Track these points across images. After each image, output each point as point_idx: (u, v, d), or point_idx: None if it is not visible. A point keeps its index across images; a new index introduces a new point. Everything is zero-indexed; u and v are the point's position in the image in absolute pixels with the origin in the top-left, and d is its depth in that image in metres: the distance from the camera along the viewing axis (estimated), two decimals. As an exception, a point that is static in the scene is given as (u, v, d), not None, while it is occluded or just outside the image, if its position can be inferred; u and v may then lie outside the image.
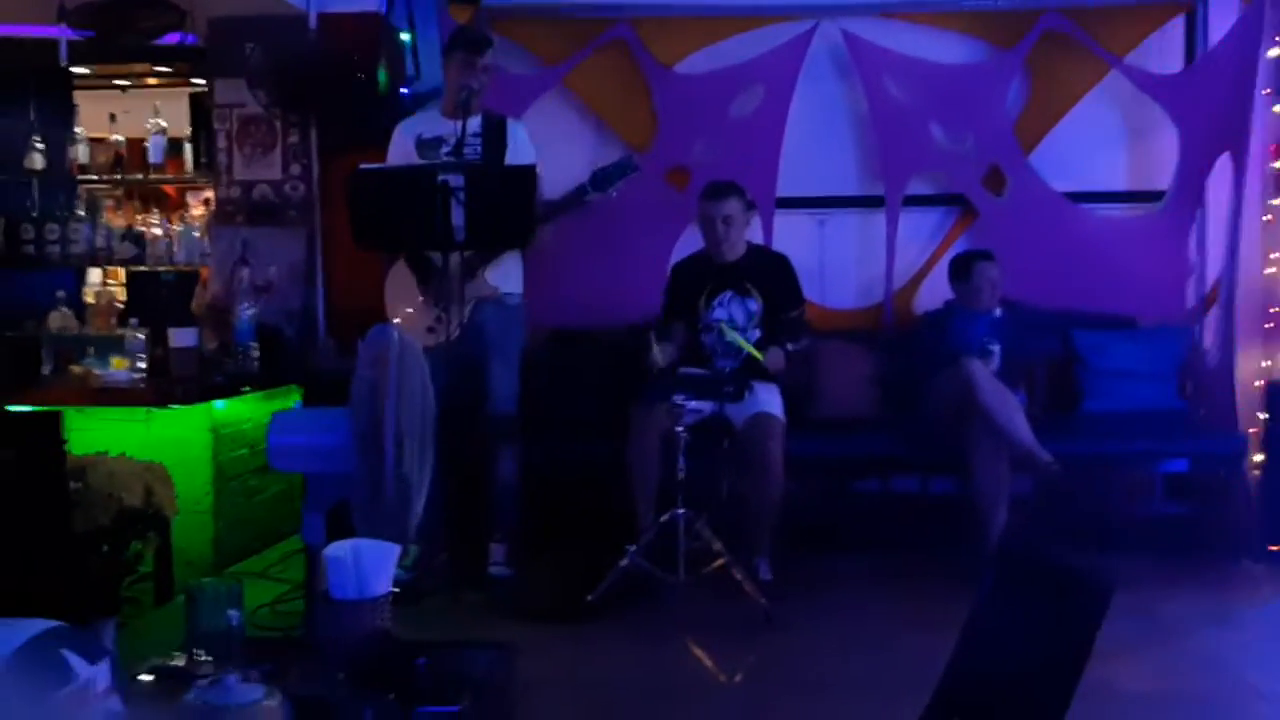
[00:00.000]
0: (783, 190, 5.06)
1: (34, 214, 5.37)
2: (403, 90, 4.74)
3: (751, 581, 3.73)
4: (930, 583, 4.07)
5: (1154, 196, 5.09)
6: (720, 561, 3.70)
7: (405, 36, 4.88)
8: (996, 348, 4.42)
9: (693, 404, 3.79)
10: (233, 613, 1.90)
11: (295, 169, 4.88)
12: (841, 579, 4.22)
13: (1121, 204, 5.16)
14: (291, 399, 4.43)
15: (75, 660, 1.40)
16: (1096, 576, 1.87)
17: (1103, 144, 5.14)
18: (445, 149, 3.97)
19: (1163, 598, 3.89)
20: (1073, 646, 1.77)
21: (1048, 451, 4.08)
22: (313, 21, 4.76)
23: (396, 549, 2.09)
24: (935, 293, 4.93)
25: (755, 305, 4.28)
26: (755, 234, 4.74)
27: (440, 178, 3.60)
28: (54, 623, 1.41)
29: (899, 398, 4.67)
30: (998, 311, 4.56)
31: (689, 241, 4.86)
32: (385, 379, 2.33)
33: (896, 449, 4.56)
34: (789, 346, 4.14)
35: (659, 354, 3.99)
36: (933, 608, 3.50)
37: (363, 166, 3.67)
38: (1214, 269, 4.99)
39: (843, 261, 5.18)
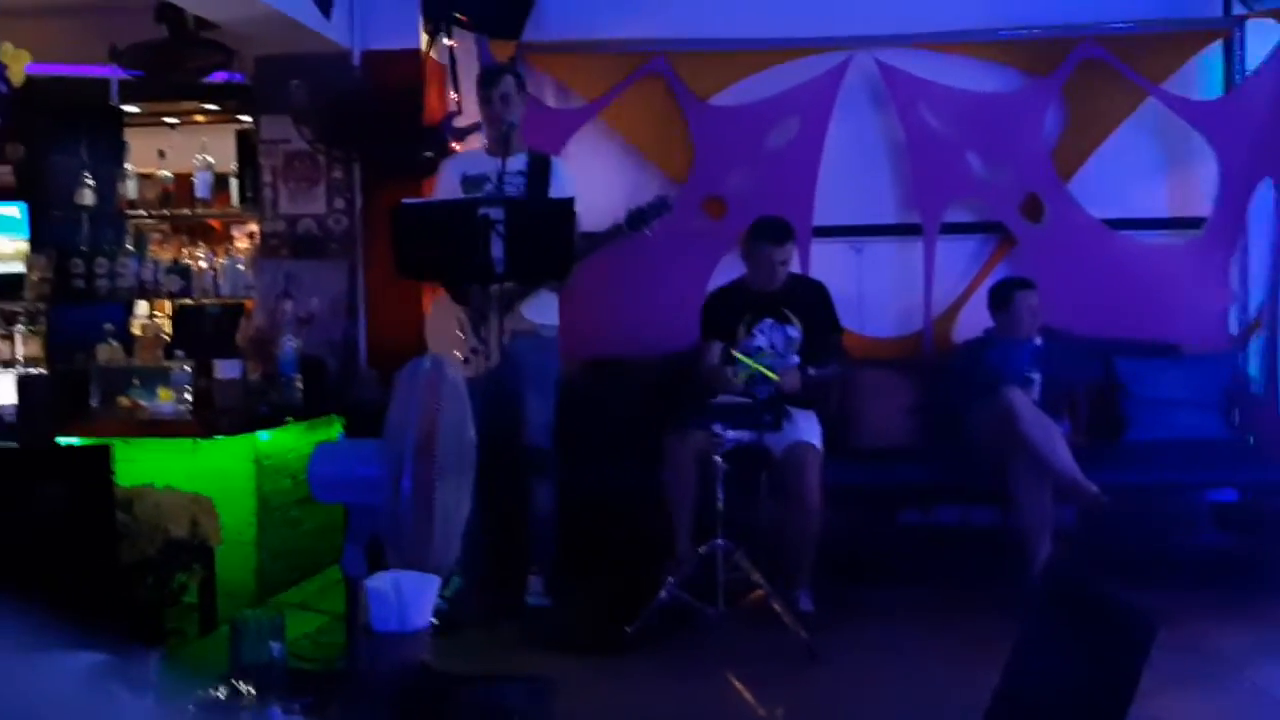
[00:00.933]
0: (819, 219, 5.07)
1: (84, 249, 5.48)
2: (444, 125, 4.80)
3: (792, 614, 3.70)
4: (973, 615, 4.02)
5: (1195, 223, 5.05)
6: (760, 593, 3.69)
7: (446, 72, 4.96)
8: (1037, 376, 4.39)
9: (731, 433, 3.79)
10: (275, 645, 1.92)
11: (338, 203, 4.96)
12: (883, 611, 4.18)
13: (1162, 231, 5.12)
14: (334, 430, 4.48)
15: (123, 693, 1.43)
16: (1139, 612, 1.84)
17: (1142, 171, 5.12)
18: (489, 186, 4.01)
19: (1212, 632, 3.82)
20: (1118, 683, 1.75)
21: (1092, 482, 4.03)
22: (356, 59, 4.86)
23: (437, 581, 2.10)
24: (974, 321, 4.90)
25: (795, 332, 4.28)
26: (792, 263, 4.74)
27: (481, 211, 3.64)
28: (103, 655, 1.43)
29: (939, 427, 4.64)
30: (1038, 340, 4.52)
31: (725, 270, 4.88)
32: (421, 409, 2.33)
33: (937, 479, 4.53)
34: (810, 371, 4.14)
35: (730, 373, 4.03)
36: (976, 641, 3.46)
37: (406, 200, 3.73)
38: (1257, 295, 4.93)
39: (880, 290, 5.17)
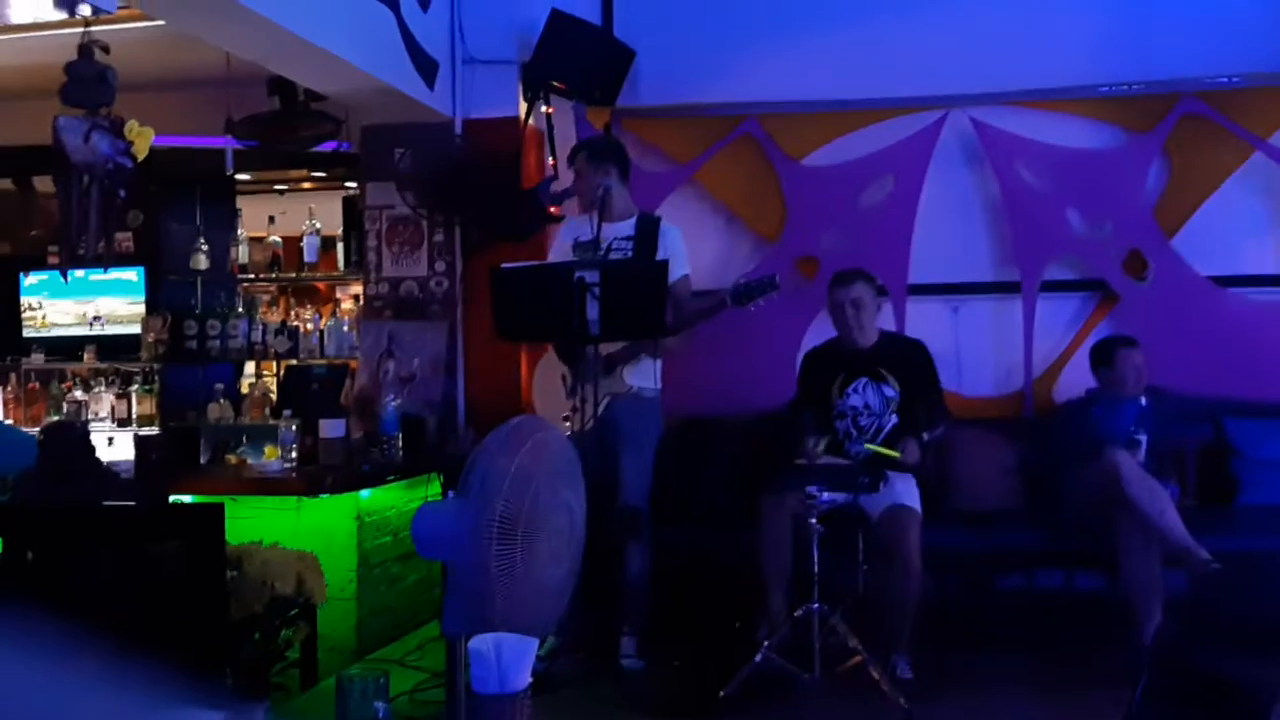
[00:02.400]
0: (915, 277, 5.04)
1: (197, 311, 5.71)
2: (541, 189, 4.92)
3: (890, 681, 3.63)
4: (1079, 686, 3.89)
5: (1309, 280, 4.90)
6: (857, 659, 3.63)
7: (544, 139, 5.09)
8: (1144, 438, 4.27)
9: (826, 495, 3.75)
10: (380, 705, 1.96)
11: (439, 265, 5.09)
12: (984, 679, 4.07)
13: (1273, 288, 4.96)
14: (433, 487, 4.56)
15: (239, 750, 1.47)
16: (1256, 685, 1.78)
17: (1250, 227, 4.98)
18: (598, 251, 4.08)
19: (1336, 707, 3.63)
20: (1235, 763, 1.69)
21: (1204, 548, 3.90)
22: (458, 127, 5.01)
23: (535, 643, 2.13)
24: (1077, 380, 4.80)
25: (891, 391, 4.25)
26: (887, 321, 4.72)
27: (576, 274, 3.71)
28: (220, 714, 1.48)
29: (1041, 489, 4.53)
30: (1143, 400, 4.41)
31: (819, 329, 4.87)
32: (485, 471, 2.33)
33: (1040, 542, 4.40)
34: (925, 436, 4.10)
35: (813, 444, 4.01)
36: (1082, 713, 3.37)
37: (504, 265, 3.82)
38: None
39: (979, 349, 5.10)
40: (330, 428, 4.28)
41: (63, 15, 3.88)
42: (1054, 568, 4.70)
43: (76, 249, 3.44)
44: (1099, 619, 4.17)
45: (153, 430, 5.47)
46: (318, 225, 5.73)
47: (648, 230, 4.19)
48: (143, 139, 3.45)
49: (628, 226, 4.18)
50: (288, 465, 4.29)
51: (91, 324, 5.78)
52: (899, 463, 4.04)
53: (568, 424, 3.99)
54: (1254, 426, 4.66)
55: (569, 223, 4.47)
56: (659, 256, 4.11)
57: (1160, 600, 3.94)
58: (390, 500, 4.47)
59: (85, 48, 3.55)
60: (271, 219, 5.94)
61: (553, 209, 4.93)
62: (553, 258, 4.31)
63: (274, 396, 5.48)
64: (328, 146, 5.38)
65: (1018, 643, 4.39)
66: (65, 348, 5.85)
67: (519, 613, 2.27)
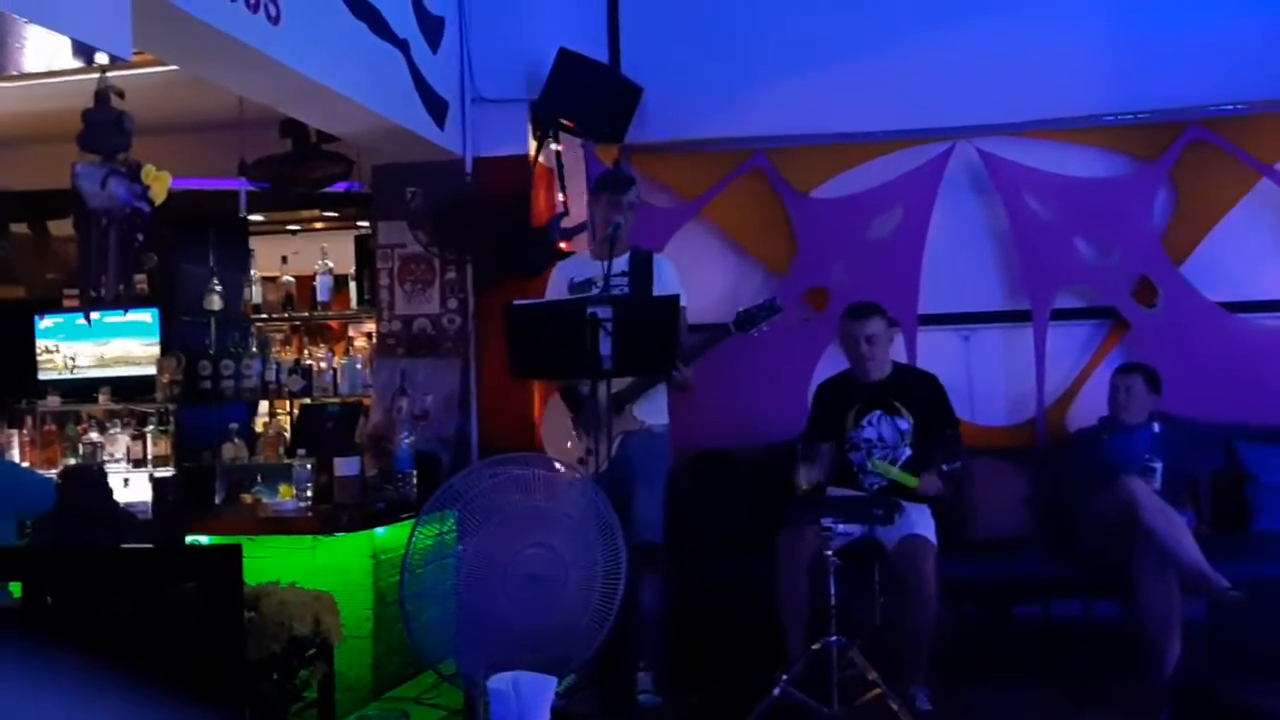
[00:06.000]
0: (925, 307, 5.05)
1: (211, 351, 5.74)
2: (551, 226, 4.95)
3: (909, 713, 3.62)
4: (1098, 715, 3.86)
5: (1319, 304, 4.90)
6: (876, 691, 3.61)
7: (554, 176, 5.13)
8: (1158, 465, 4.26)
9: (841, 527, 3.75)
10: (401, 745, 1.96)
11: (452, 303, 5.12)
12: (1003, 710, 4.05)
13: (1283, 313, 4.97)
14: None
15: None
16: (1276, 717, 1.78)
17: (1258, 252, 4.98)
18: (596, 289, 4.11)
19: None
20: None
21: (1221, 575, 3.88)
22: (468, 165, 5.05)
23: (554, 681, 2.13)
24: (1089, 408, 4.81)
25: (905, 424, 4.25)
26: (898, 352, 4.73)
27: (589, 309, 3.73)
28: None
29: (1057, 518, 4.52)
30: (1156, 426, 4.40)
31: (828, 361, 4.89)
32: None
33: (1056, 572, 4.39)
34: (945, 468, 4.10)
35: (803, 475, 3.99)
36: (1103, 743, 3.34)
37: (516, 302, 3.84)
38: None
39: (990, 378, 5.11)
40: (345, 466, 4.30)
41: (79, 62, 3.93)
42: (1071, 597, 4.67)
43: (95, 292, 3.47)
44: (1117, 648, 4.14)
45: (168, 471, 5.48)
46: (330, 264, 5.77)
47: (641, 264, 4.23)
48: (159, 184, 3.49)
49: (623, 262, 4.20)
50: (303, 504, 4.31)
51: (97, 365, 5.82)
52: (915, 492, 4.04)
53: (583, 465, 3.99)
54: (1267, 451, 4.65)
55: (564, 262, 4.51)
56: (655, 290, 4.14)
57: (1178, 628, 3.92)
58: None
59: (102, 94, 3.59)
60: (284, 259, 5.97)
61: (563, 245, 4.97)
62: (550, 296, 4.33)
63: (288, 435, 5.50)
64: (340, 187, 5.43)
65: (1036, 672, 4.38)
66: (80, 390, 5.88)
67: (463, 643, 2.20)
